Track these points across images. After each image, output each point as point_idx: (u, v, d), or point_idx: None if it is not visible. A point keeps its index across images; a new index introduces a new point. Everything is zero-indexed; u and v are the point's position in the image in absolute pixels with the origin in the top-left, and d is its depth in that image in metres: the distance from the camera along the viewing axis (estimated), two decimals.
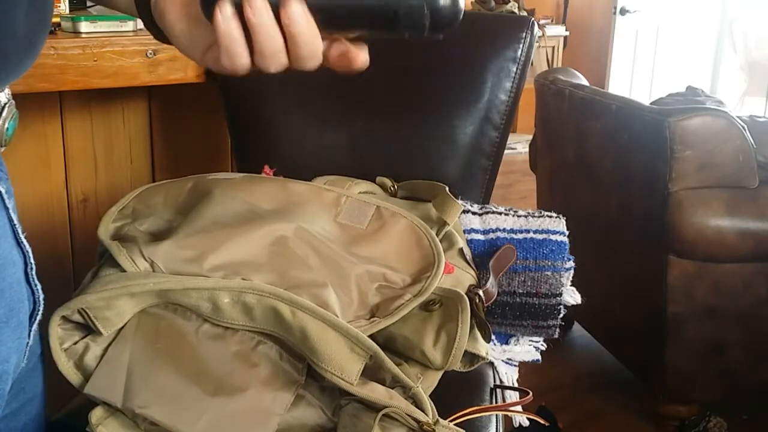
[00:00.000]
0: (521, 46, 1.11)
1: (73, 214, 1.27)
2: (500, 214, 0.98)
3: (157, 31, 0.53)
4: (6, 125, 0.57)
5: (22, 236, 0.60)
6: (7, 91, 0.58)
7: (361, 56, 0.48)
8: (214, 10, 0.45)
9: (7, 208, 0.59)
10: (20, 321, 0.58)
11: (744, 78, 5.27)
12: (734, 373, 1.79)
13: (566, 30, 5.22)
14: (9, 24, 0.50)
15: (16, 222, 0.60)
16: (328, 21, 0.45)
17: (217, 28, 0.46)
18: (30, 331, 0.61)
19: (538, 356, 1.02)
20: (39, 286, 0.62)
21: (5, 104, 0.57)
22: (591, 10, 5.20)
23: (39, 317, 0.63)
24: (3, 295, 0.56)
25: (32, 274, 0.61)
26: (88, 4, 1.50)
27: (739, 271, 1.69)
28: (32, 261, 0.61)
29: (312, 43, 0.46)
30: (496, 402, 0.92)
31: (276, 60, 0.47)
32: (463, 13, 0.44)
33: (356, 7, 0.44)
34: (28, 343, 0.61)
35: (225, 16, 0.45)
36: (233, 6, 0.45)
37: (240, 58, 0.47)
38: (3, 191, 0.59)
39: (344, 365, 0.62)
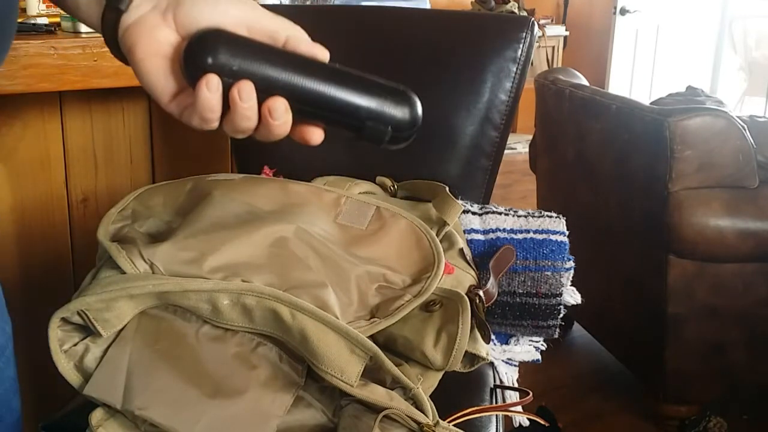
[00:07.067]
0: (521, 46, 1.11)
1: (73, 214, 1.27)
2: (500, 214, 0.98)
3: (122, 57, 0.51)
4: None
5: None
6: None
7: (317, 135, 0.51)
8: (200, 79, 0.46)
9: None
10: None
11: (744, 78, 5.27)
12: (734, 373, 1.79)
13: (566, 30, 5.21)
14: None
15: None
16: (303, 113, 0.49)
17: (198, 96, 0.46)
18: None
19: (538, 356, 1.02)
20: None
21: None
22: (591, 10, 5.20)
23: None
24: None
25: None
26: None
27: (739, 271, 1.69)
28: None
29: (282, 129, 0.49)
30: (496, 402, 0.92)
31: (244, 134, 0.49)
32: (417, 131, 0.50)
33: (333, 109, 0.48)
34: None
35: (211, 88, 0.46)
36: (220, 80, 0.46)
37: (211, 123, 0.48)
38: None
39: (344, 367, 0.62)
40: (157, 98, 0.50)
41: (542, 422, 0.87)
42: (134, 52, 0.49)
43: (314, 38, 0.50)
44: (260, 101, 0.47)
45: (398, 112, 0.49)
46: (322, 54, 0.50)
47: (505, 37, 1.11)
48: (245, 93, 0.46)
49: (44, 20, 1.17)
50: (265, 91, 0.47)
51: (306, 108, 0.48)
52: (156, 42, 0.48)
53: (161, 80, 0.49)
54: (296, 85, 0.47)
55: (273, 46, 0.49)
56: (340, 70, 0.49)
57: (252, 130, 0.49)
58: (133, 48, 0.49)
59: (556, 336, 0.98)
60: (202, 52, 0.46)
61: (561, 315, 0.96)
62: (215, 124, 0.48)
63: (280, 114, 0.47)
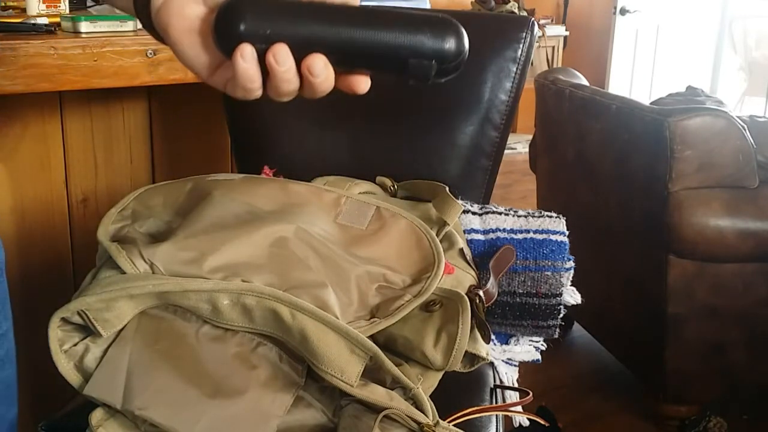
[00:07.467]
0: (521, 46, 1.11)
1: (73, 214, 1.27)
2: (500, 214, 0.98)
3: (159, 36, 0.52)
4: None
5: None
6: None
7: (363, 83, 0.49)
8: (234, 50, 0.45)
9: None
10: None
11: (744, 78, 5.27)
12: (734, 373, 1.79)
13: (566, 30, 5.21)
14: None
15: None
16: (343, 64, 0.47)
17: (236, 68, 0.46)
18: None
19: (538, 356, 1.02)
20: None
21: None
22: (591, 10, 5.20)
23: None
24: None
25: None
26: (89, 3, 1.50)
27: (739, 271, 1.69)
28: None
29: (326, 85, 0.48)
30: (496, 402, 0.92)
31: (289, 96, 0.48)
32: (464, 61, 0.48)
33: (371, 54, 0.47)
34: None
35: (246, 58, 0.45)
36: (254, 48, 0.45)
37: (255, 92, 0.48)
38: None
39: (344, 367, 0.62)
40: (198, 75, 0.50)
41: (542, 422, 0.87)
42: (168, 33, 0.49)
43: None
44: (298, 61, 0.46)
45: (440, 43, 0.46)
46: None
47: (505, 37, 1.11)
48: (281, 57, 0.45)
49: (44, 20, 1.17)
50: (301, 49, 0.46)
51: (345, 59, 0.47)
52: (187, 19, 0.48)
53: (198, 57, 0.49)
54: (330, 38, 0.46)
55: (300, 1, 0.47)
56: (372, 12, 0.47)
57: (296, 91, 0.48)
58: (166, 29, 0.49)
59: (556, 336, 0.98)
60: (230, 23, 0.45)
61: (561, 315, 0.96)
62: (259, 93, 0.48)
63: (320, 70, 0.46)
